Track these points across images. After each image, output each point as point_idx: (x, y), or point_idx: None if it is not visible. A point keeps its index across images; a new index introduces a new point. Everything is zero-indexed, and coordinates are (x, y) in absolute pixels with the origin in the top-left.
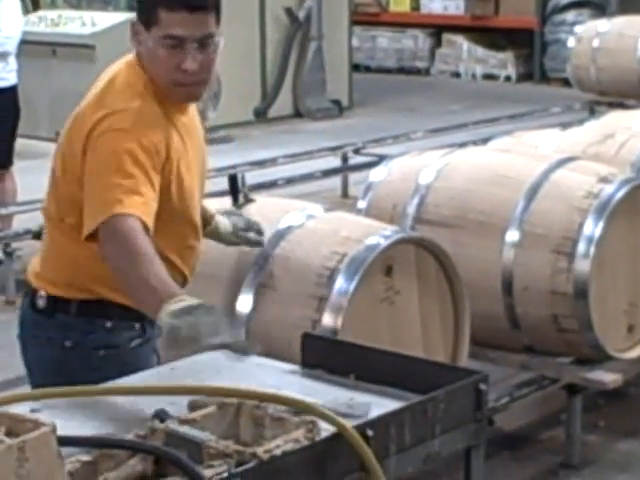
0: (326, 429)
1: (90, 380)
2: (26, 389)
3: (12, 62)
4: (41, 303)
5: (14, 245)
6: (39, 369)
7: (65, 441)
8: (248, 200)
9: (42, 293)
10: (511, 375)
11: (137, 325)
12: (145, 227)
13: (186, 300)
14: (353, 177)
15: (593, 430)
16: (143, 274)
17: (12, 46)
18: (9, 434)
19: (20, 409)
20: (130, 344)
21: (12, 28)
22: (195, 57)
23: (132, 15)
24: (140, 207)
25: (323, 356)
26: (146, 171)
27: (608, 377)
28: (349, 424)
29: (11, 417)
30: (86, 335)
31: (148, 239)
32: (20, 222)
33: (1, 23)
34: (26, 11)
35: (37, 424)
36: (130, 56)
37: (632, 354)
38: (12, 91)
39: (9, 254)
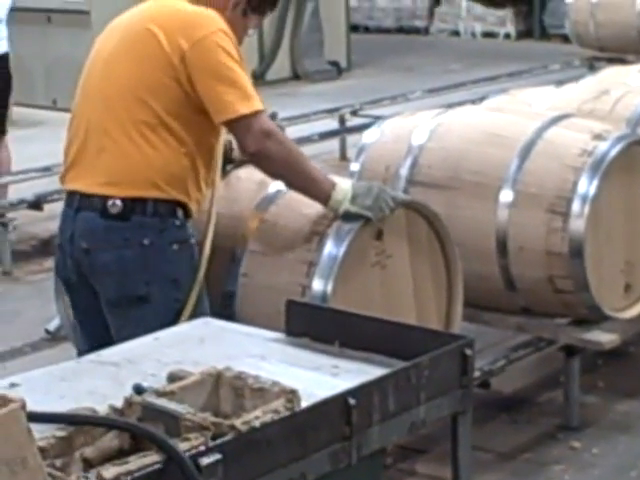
0: (307, 399)
1: (166, 273)
2: (23, 361)
3: (2, 30)
4: (114, 209)
5: (10, 215)
6: (118, 271)
7: (36, 417)
8: (237, 165)
9: (114, 200)
10: (507, 337)
11: (190, 225)
12: None
13: (345, 187)
14: (351, 139)
15: (592, 391)
16: (307, 168)
17: (2, 12)
18: None
19: None
20: (191, 240)
21: None
22: None
23: None
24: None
25: (308, 323)
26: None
27: (605, 337)
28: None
29: None
30: (161, 232)
31: None
32: (16, 192)
33: None
34: None
35: (6, 400)
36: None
37: (629, 313)
38: (3, 60)
39: (4, 225)
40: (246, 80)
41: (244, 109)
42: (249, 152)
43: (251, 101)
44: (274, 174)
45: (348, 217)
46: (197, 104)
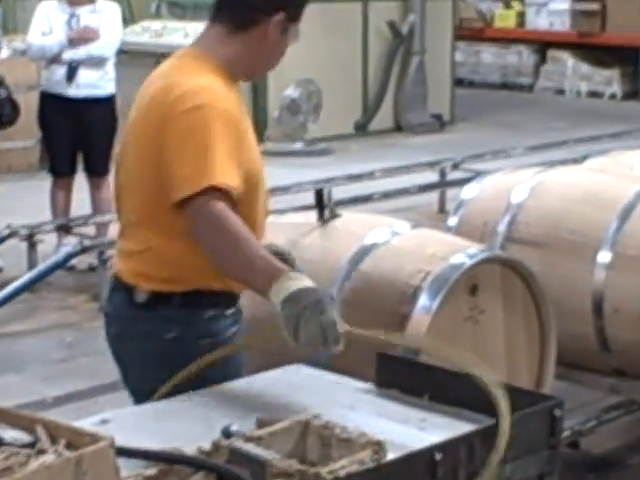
0: (393, 451)
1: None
2: (114, 396)
3: (110, 71)
4: (141, 298)
5: (109, 253)
6: (140, 363)
7: (126, 453)
8: (333, 215)
9: (141, 289)
10: (599, 398)
11: (231, 314)
12: (233, 202)
13: (292, 280)
14: (451, 193)
15: None
16: (246, 253)
17: (110, 52)
18: (69, 447)
19: (90, 420)
20: (227, 332)
21: (111, 35)
22: None
23: None
24: (231, 179)
25: (398, 375)
26: (231, 145)
27: None
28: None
29: (71, 430)
30: (187, 326)
31: (238, 216)
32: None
33: (101, 30)
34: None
35: (96, 438)
36: (179, 54)
37: None
38: (110, 100)
39: (104, 261)
40: (208, 157)
41: (187, 190)
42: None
43: (203, 178)
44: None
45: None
46: None
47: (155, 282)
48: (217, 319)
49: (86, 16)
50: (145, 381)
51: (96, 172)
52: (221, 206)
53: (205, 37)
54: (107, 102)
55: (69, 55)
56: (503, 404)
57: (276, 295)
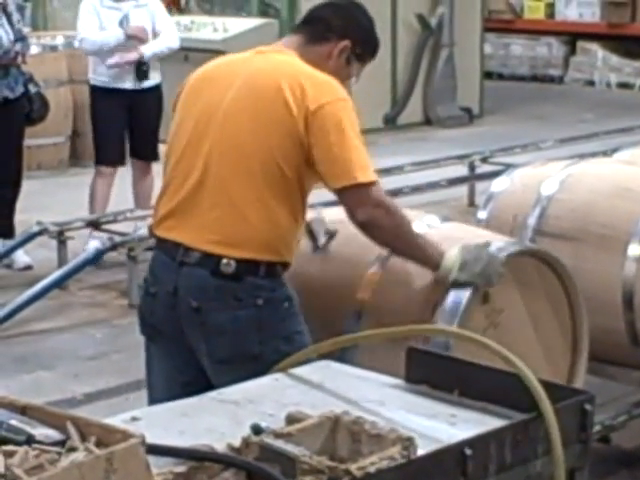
0: (423, 447)
1: (280, 331)
2: (144, 393)
3: None
4: (228, 269)
5: (138, 249)
6: (233, 331)
7: (156, 450)
8: (331, 236)
9: (228, 260)
10: (630, 392)
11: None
12: None
13: (454, 255)
14: (480, 186)
15: None
16: (415, 238)
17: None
18: (99, 444)
19: (120, 417)
20: (294, 295)
21: (173, 27)
22: None
23: (263, 21)
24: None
25: (427, 371)
26: None
27: None
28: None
29: (101, 427)
30: (272, 292)
31: None
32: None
33: (158, 25)
34: None
35: (126, 435)
36: (294, 57)
37: None
38: (160, 87)
39: (132, 258)
40: (363, 150)
41: (361, 177)
42: (359, 221)
43: (367, 171)
44: (383, 243)
45: (457, 285)
46: (313, 169)
47: (248, 251)
48: (286, 285)
49: (134, 12)
50: (241, 346)
51: (151, 157)
52: (385, 195)
53: (285, 44)
54: (159, 89)
55: (150, 50)
56: (548, 408)
57: (450, 262)
